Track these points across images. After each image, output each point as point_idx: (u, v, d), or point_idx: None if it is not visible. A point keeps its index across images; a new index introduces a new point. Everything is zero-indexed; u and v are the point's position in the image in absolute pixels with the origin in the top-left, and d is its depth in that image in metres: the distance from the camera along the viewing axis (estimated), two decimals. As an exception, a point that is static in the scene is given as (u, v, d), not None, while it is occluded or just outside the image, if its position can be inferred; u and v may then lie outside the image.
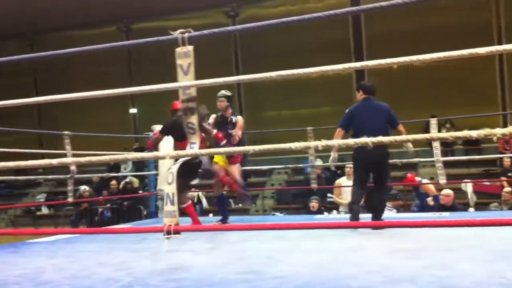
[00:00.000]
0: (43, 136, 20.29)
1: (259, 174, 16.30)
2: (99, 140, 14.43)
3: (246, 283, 3.18)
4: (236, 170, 6.82)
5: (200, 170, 6.51)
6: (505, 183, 11.17)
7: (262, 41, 17.51)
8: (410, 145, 5.98)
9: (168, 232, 3.05)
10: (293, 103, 17.82)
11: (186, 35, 3.09)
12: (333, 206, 9.97)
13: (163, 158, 3.31)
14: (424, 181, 9.55)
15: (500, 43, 14.57)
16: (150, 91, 3.11)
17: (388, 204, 7.55)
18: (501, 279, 3.01)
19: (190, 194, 7.01)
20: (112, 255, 4.66)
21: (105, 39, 4.01)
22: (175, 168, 3.22)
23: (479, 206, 10.83)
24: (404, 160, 8.04)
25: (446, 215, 6.83)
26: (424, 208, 8.75)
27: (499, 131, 2.46)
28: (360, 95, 5.93)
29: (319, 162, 12.33)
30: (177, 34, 3.09)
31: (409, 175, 9.57)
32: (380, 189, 5.92)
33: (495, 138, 2.50)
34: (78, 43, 3.48)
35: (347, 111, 5.97)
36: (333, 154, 6.16)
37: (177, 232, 3.08)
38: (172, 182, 3.17)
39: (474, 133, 2.55)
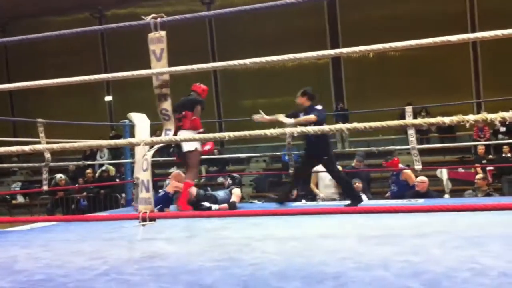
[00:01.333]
0: (18, 125, 20.02)
1: (237, 162, 16.35)
2: (75, 129, 14.27)
3: (222, 270, 3.19)
4: None
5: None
6: (479, 170, 11.33)
7: (238, 29, 17.46)
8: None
9: (144, 219, 3.03)
10: (269, 91, 17.80)
11: (159, 20, 3.05)
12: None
13: (137, 144, 3.27)
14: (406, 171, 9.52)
15: (474, 32, 14.71)
16: (123, 78, 3.07)
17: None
18: (473, 264, 3.05)
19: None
20: (87, 243, 4.62)
21: (79, 26, 3.95)
22: (150, 154, 3.20)
23: (455, 193, 10.96)
24: (380, 148, 8.23)
25: (420, 202, 6.90)
26: (400, 195, 8.74)
27: (471, 117, 2.50)
28: (306, 100, 6.72)
29: None
30: (149, 19, 3.05)
31: (396, 158, 9.54)
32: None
33: (467, 125, 2.54)
34: (52, 29, 3.42)
35: (322, 107, 6.66)
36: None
37: (152, 219, 3.06)
38: (147, 169, 3.14)
39: (447, 120, 2.59)
